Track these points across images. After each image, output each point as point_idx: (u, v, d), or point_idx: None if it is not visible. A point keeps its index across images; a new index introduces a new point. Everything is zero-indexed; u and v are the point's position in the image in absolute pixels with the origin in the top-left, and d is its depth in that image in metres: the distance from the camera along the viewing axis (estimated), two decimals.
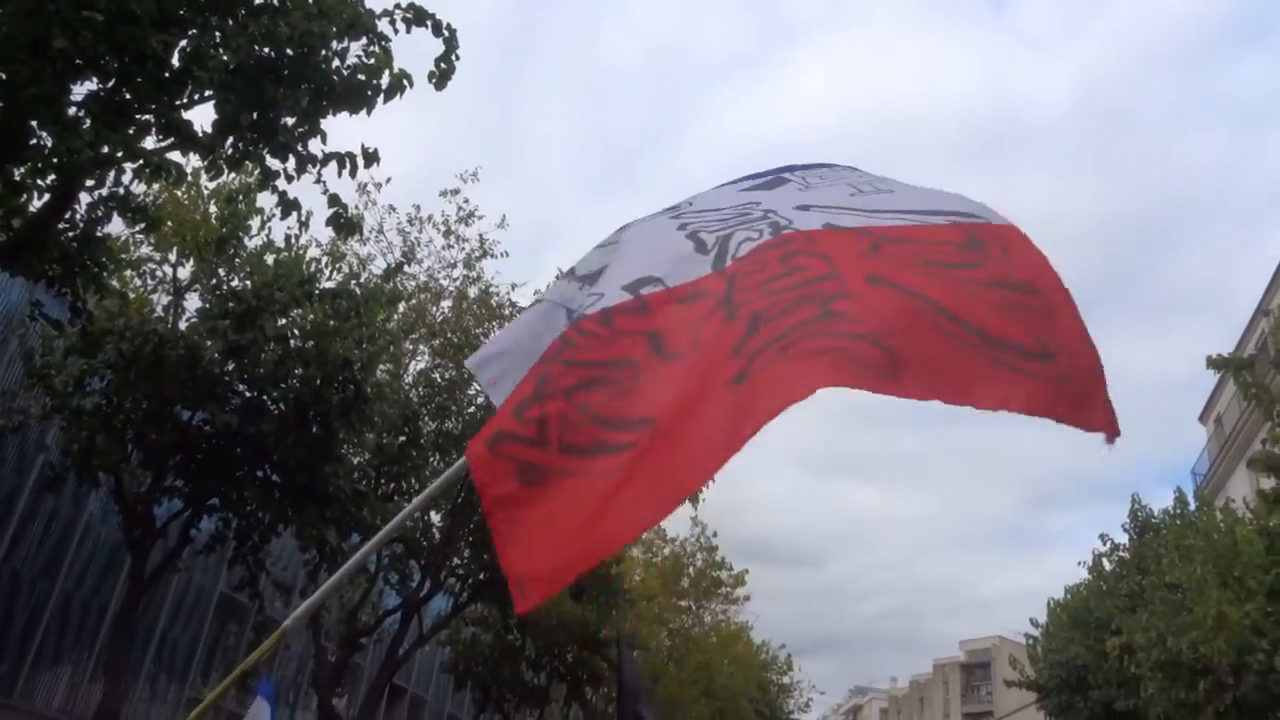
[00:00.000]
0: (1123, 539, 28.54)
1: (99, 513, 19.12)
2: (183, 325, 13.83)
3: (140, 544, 13.95)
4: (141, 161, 8.04)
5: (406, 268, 18.58)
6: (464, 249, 20.02)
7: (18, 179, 8.07)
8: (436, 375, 19.28)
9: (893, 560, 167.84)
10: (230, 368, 13.32)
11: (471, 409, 19.44)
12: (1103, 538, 29.07)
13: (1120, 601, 25.36)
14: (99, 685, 15.70)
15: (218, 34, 7.72)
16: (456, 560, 20.78)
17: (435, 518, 20.28)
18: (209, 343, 12.97)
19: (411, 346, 19.27)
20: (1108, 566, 28.51)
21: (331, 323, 13.44)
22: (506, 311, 20.15)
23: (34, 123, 7.36)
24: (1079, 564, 30.36)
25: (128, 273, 13.87)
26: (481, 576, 20.69)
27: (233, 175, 10.87)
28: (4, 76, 6.96)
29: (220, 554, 15.01)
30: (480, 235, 20.06)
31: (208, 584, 22.44)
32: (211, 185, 13.77)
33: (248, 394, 13.59)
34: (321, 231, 13.55)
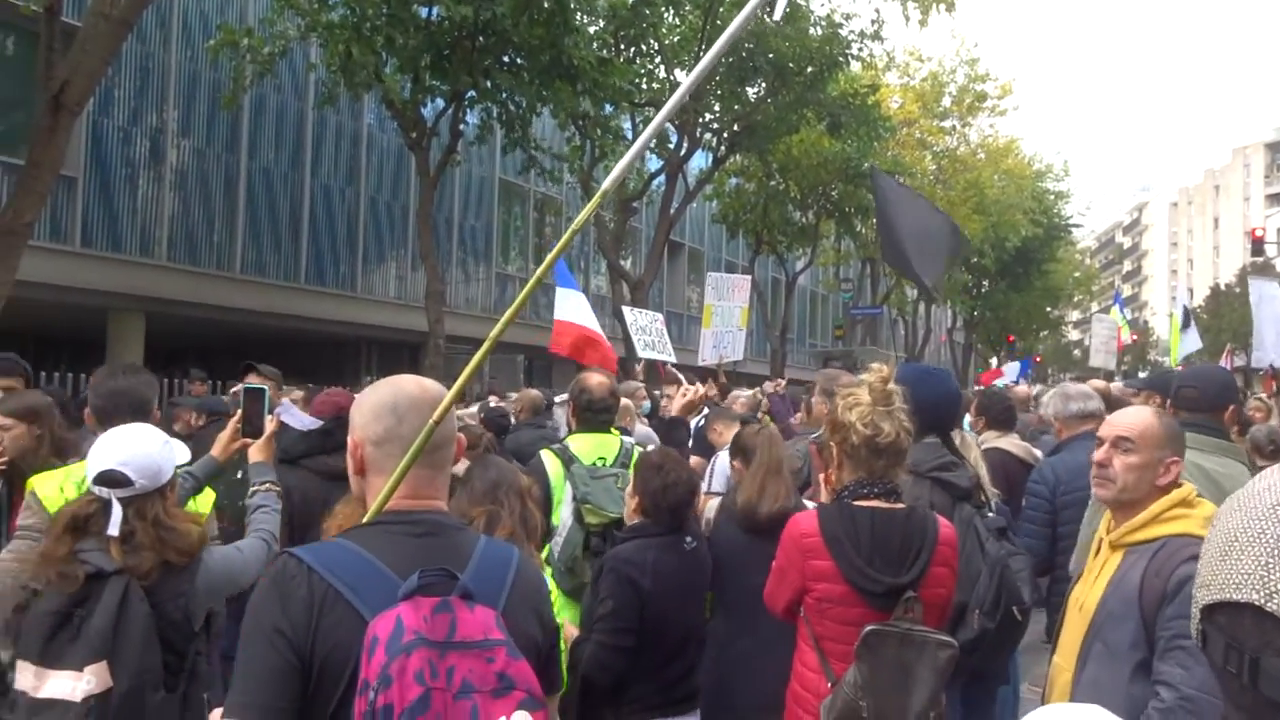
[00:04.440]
0: None
1: (376, 122, 20.54)
2: None
3: (418, 144, 15.00)
4: None
5: None
6: None
7: None
8: None
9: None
10: None
11: None
12: None
13: None
14: (420, 273, 17.89)
15: None
16: (709, 115, 20.79)
17: (681, 75, 20.06)
18: None
19: None
20: None
21: None
22: None
23: None
24: None
25: None
26: (735, 127, 20.71)
27: None
28: None
29: (491, 143, 15.87)
30: None
31: (486, 173, 24.09)
32: None
33: None
34: None
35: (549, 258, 1.98)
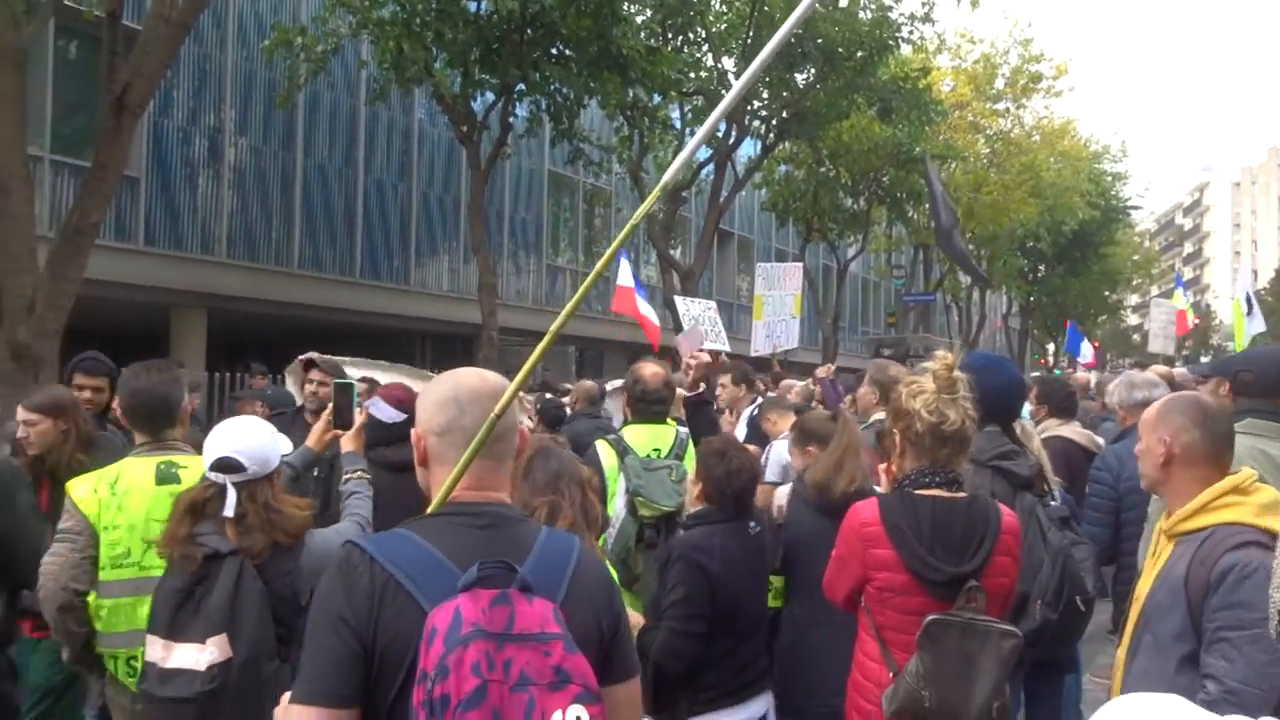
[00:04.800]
0: None
1: (427, 117, 20.73)
2: None
3: (469, 138, 15.12)
4: None
5: None
6: None
7: None
8: None
9: None
10: None
11: None
12: None
13: None
14: (472, 266, 18.04)
15: None
16: (757, 103, 20.65)
17: (729, 63, 19.96)
18: None
19: None
20: None
21: None
22: None
23: None
24: None
25: None
26: (785, 114, 20.55)
27: None
28: None
29: (540, 136, 15.92)
30: None
31: (536, 166, 24.19)
32: None
33: None
34: None
35: (607, 253, 2.00)
